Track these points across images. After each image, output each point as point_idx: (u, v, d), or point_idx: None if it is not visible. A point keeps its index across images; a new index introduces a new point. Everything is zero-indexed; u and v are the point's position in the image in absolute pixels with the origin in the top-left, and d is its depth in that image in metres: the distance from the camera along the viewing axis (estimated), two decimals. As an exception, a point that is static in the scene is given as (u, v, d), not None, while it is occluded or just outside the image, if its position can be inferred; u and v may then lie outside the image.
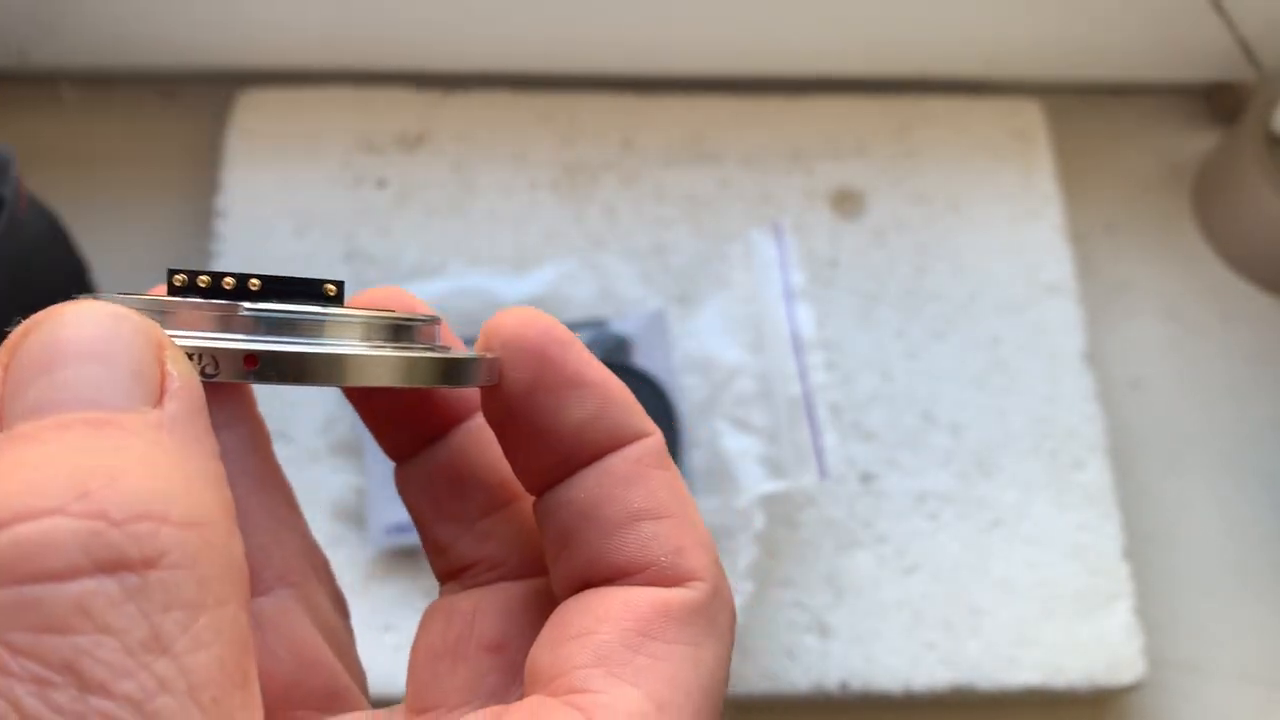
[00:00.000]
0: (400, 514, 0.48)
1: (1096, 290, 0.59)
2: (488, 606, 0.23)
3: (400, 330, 0.20)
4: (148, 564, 0.15)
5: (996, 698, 0.49)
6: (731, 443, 0.49)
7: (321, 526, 0.50)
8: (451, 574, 0.24)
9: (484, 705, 0.21)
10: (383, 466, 0.49)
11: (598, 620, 0.20)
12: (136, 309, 0.17)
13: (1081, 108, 0.64)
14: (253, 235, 0.55)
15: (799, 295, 0.50)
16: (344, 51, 0.59)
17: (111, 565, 0.15)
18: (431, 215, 0.56)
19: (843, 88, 0.61)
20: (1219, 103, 0.64)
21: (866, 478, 0.52)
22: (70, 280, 0.51)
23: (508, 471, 0.23)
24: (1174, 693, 0.52)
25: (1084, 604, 0.50)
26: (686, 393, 0.51)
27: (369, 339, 0.20)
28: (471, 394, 0.23)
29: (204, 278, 0.19)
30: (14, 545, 0.14)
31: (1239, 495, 0.55)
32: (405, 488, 0.24)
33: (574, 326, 0.51)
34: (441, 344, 0.22)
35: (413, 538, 0.48)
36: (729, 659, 0.21)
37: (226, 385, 0.23)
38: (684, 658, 0.20)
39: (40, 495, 0.15)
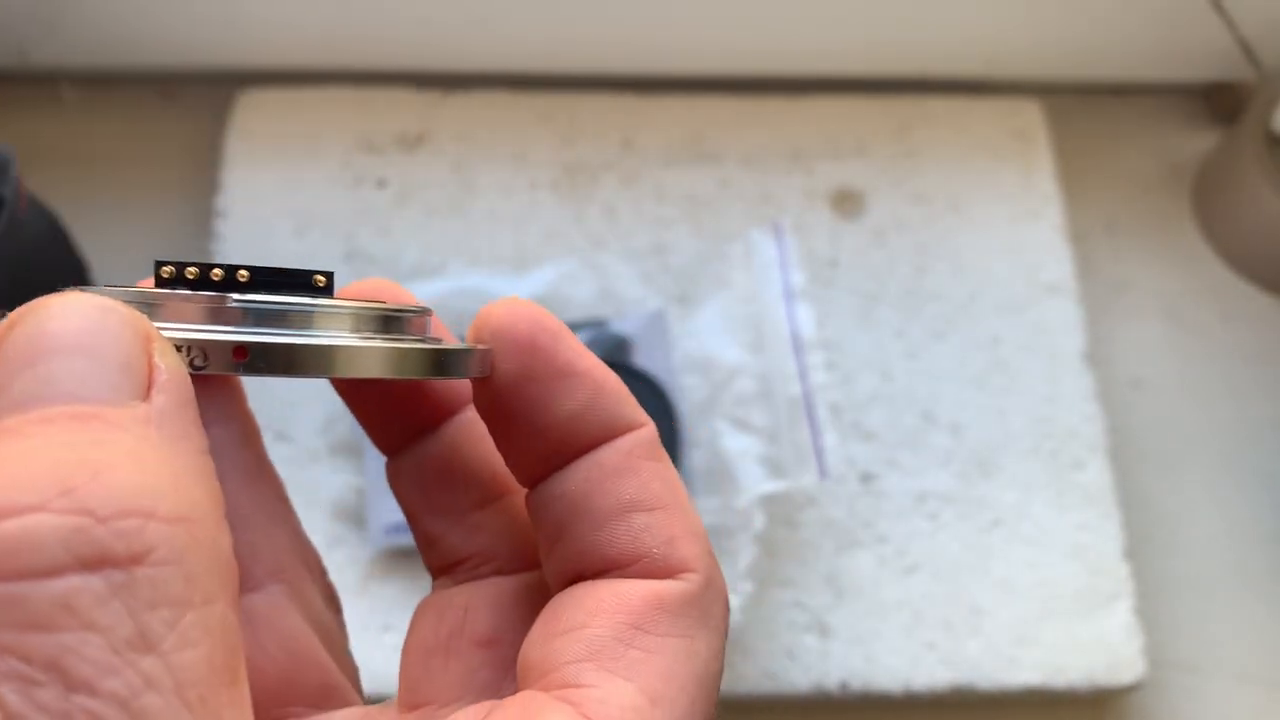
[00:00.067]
0: (400, 514, 0.48)
1: (1096, 290, 0.59)
2: (480, 601, 0.23)
3: (390, 321, 0.20)
4: (134, 560, 0.15)
5: (996, 698, 0.49)
6: (731, 443, 0.49)
7: (321, 526, 0.50)
8: (444, 568, 0.24)
9: (477, 700, 0.21)
10: (382, 466, 0.49)
11: (589, 614, 0.20)
12: (124, 301, 0.17)
13: (1081, 108, 0.64)
14: (253, 235, 0.55)
15: (799, 295, 0.50)
16: (344, 51, 0.59)
17: (96, 562, 0.14)
18: (431, 215, 0.56)
19: (843, 88, 0.61)
20: (1219, 103, 0.64)
21: (866, 478, 0.52)
22: (70, 280, 0.51)
23: (500, 464, 0.23)
24: (1174, 693, 0.52)
25: (1084, 604, 0.50)
26: (686, 393, 0.51)
27: (359, 330, 0.20)
28: (463, 386, 0.23)
29: (192, 269, 0.19)
30: None
31: (1239, 495, 0.55)
32: (397, 481, 0.24)
33: (574, 326, 0.51)
34: (432, 336, 0.22)
35: (412, 537, 0.48)
36: (723, 650, 0.21)
37: (216, 380, 0.23)
38: (677, 650, 0.20)
39: (23, 491, 0.14)
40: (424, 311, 0.21)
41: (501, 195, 0.57)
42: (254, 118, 0.58)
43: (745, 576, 0.47)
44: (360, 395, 0.24)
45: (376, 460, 0.50)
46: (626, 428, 0.21)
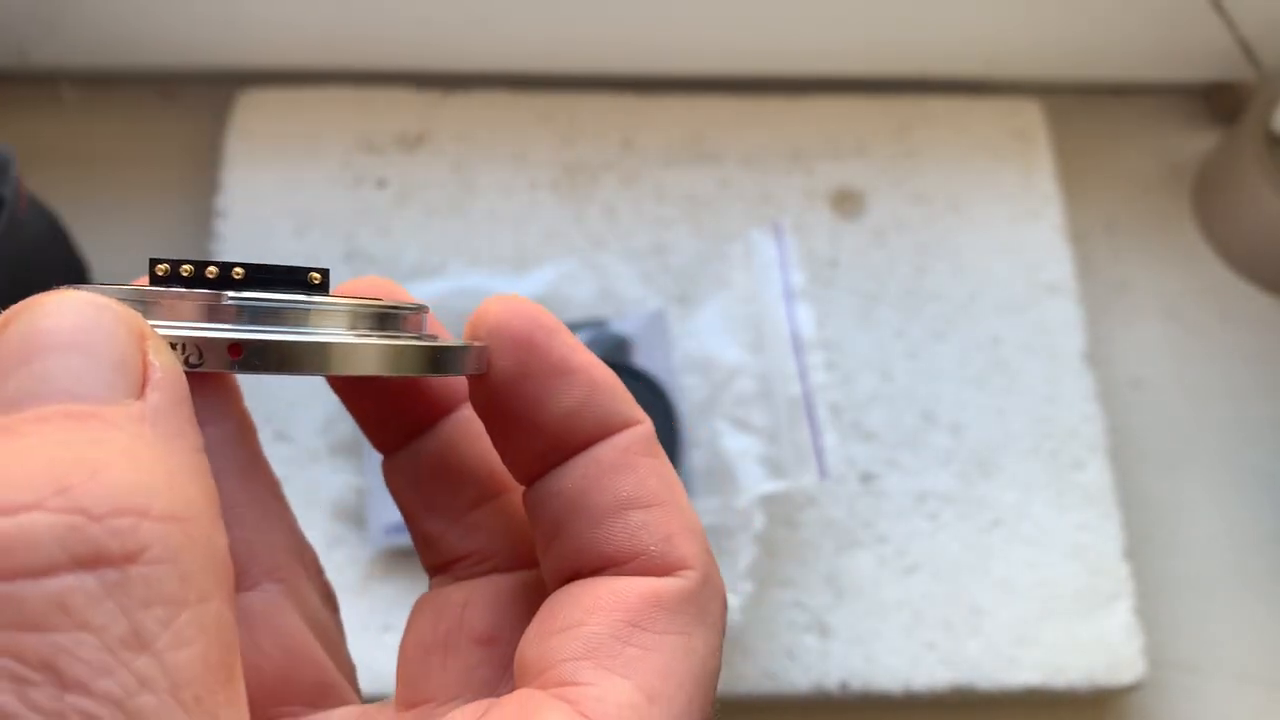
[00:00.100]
0: (400, 513, 0.48)
1: (1096, 290, 0.59)
2: (478, 599, 0.23)
3: (386, 318, 0.20)
4: (128, 559, 0.15)
5: (996, 698, 0.49)
6: (731, 443, 0.49)
7: (321, 526, 0.50)
8: (441, 567, 0.24)
9: (474, 698, 0.21)
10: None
11: (587, 611, 0.20)
12: (118, 299, 0.17)
13: (1081, 108, 0.64)
14: (253, 235, 0.55)
15: (799, 295, 0.50)
16: (344, 51, 0.59)
17: (90, 561, 0.14)
18: (431, 215, 0.56)
19: (843, 88, 0.61)
20: (1219, 103, 0.64)
21: (866, 478, 0.52)
22: (70, 280, 0.51)
23: (497, 462, 0.23)
24: (1174, 693, 0.52)
25: (1084, 604, 0.50)
26: (686, 393, 0.51)
27: (354, 327, 0.19)
28: (459, 384, 0.23)
29: (187, 267, 0.19)
30: None
31: (1239, 495, 0.55)
32: (393, 480, 0.24)
33: (574, 326, 0.51)
34: (428, 333, 0.21)
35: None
36: (721, 647, 0.21)
37: (212, 378, 0.23)
38: (675, 647, 0.20)
39: (18, 490, 0.14)
40: (420, 308, 0.21)
41: (501, 195, 0.57)
42: (254, 118, 0.58)
43: (745, 576, 0.47)
44: (356, 393, 0.24)
45: (376, 460, 0.50)
46: (623, 424, 0.21)
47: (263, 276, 0.19)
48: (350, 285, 0.23)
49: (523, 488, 0.22)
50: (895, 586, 0.50)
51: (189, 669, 0.15)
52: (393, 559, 0.49)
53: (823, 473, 0.47)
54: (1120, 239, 0.61)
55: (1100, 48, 0.62)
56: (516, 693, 0.20)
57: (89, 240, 0.53)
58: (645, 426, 0.21)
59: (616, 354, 0.52)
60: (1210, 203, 0.61)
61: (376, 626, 0.48)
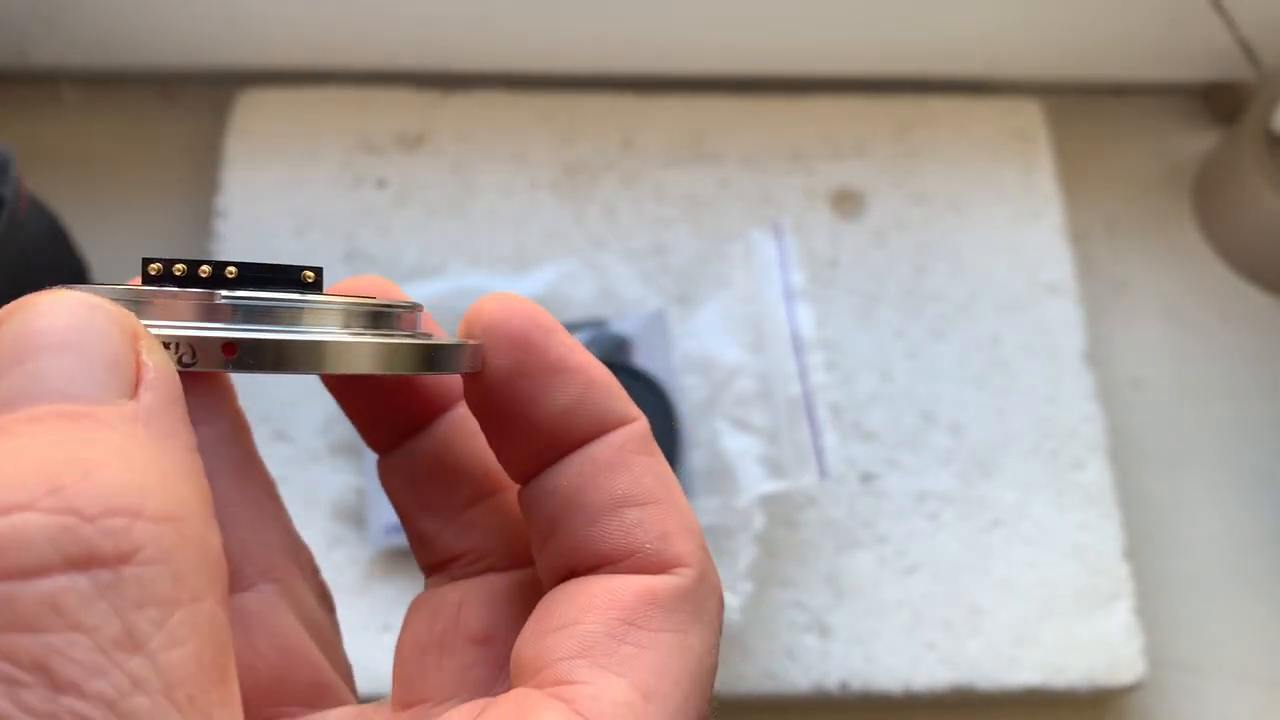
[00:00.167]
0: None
1: (1096, 290, 0.59)
2: (474, 598, 0.23)
3: (380, 317, 0.20)
4: (121, 559, 0.14)
5: (996, 698, 0.49)
6: (731, 443, 0.49)
7: (321, 526, 0.50)
8: (437, 566, 0.24)
9: (471, 698, 0.21)
10: (382, 466, 0.49)
11: (582, 610, 0.20)
12: (111, 298, 0.17)
13: (1081, 108, 0.64)
14: (253, 235, 0.55)
15: (799, 295, 0.50)
16: (344, 51, 0.59)
17: (83, 561, 0.14)
18: (431, 215, 0.56)
19: (843, 88, 0.61)
20: (1219, 103, 0.64)
21: (866, 478, 0.52)
22: (70, 280, 0.51)
23: (492, 461, 0.22)
24: (1174, 693, 0.52)
25: (1084, 604, 0.50)
26: (686, 393, 0.51)
27: (348, 326, 0.19)
28: (454, 383, 0.23)
29: (179, 266, 0.19)
30: None
31: (1239, 495, 0.55)
32: (388, 479, 0.24)
33: (574, 326, 0.51)
34: (423, 331, 0.21)
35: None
36: (717, 645, 0.21)
37: (206, 378, 0.23)
38: (671, 645, 0.19)
39: (10, 490, 0.14)
40: (414, 307, 0.21)
41: (501, 195, 0.57)
42: (254, 118, 0.58)
43: (745, 576, 0.47)
44: (351, 392, 0.24)
45: (376, 459, 0.50)
46: (619, 422, 0.21)
47: (256, 275, 0.19)
48: (345, 284, 0.23)
49: (518, 486, 0.22)
50: (895, 586, 0.50)
51: (182, 669, 0.15)
52: (392, 559, 0.49)
53: (823, 473, 0.47)
54: (1120, 239, 0.61)
55: (1100, 48, 0.62)
56: (512, 692, 0.19)
57: (89, 240, 0.53)
58: (641, 424, 0.21)
59: (616, 354, 0.52)
60: (1210, 203, 0.61)
61: (376, 626, 0.48)
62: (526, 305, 0.21)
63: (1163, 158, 0.63)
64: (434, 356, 0.20)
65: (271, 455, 0.25)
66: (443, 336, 0.21)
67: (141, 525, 0.15)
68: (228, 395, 0.24)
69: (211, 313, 0.18)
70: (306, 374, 0.19)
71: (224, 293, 0.18)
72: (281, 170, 0.57)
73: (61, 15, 0.56)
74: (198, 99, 0.61)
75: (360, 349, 0.19)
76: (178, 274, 0.19)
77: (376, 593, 0.49)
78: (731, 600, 0.46)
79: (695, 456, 0.50)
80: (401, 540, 0.49)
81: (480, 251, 0.56)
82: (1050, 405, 0.54)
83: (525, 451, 0.21)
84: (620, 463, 0.21)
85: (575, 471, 0.21)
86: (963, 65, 0.62)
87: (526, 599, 0.22)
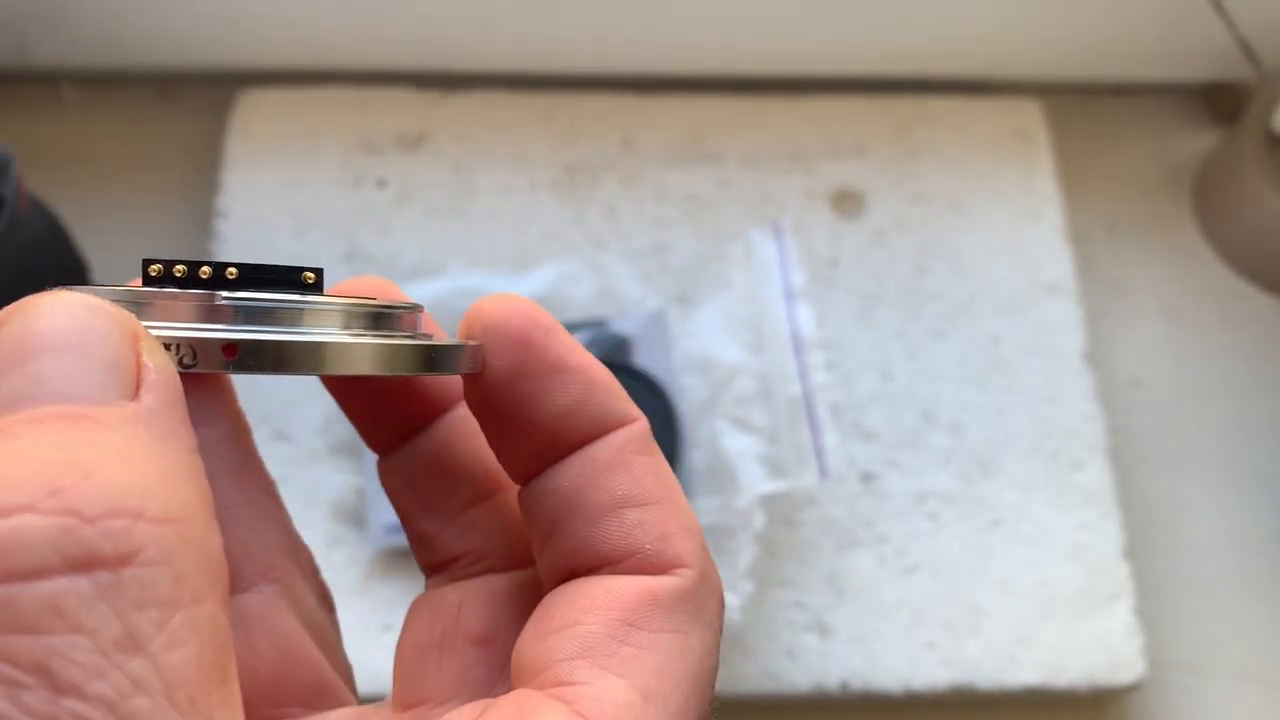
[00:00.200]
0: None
1: (1096, 290, 0.59)
2: (474, 599, 0.22)
3: (380, 318, 0.20)
4: (121, 561, 0.14)
5: (996, 698, 0.49)
6: (731, 443, 0.49)
7: (321, 526, 0.50)
8: (437, 566, 0.24)
9: (471, 699, 0.21)
10: (382, 466, 0.49)
11: (582, 611, 0.20)
12: (112, 300, 0.17)
13: (1081, 108, 0.64)
14: (253, 235, 0.55)
15: (799, 295, 0.50)
16: (344, 51, 0.59)
17: (84, 563, 0.14)
18: (431, 215, 0.56)
19: (843, 88, 0.61)
20: (1219, 103, 0.64)
21: (866, 478, 0.52)
22: (71, 280, 0.51)
23: (493, 462, 0.22)
24: (1174, 693, 0.52)
25: (1084, 604, 0.50)
26: (686, 393, 0.51)
27: (349, 327, 0.19)
28: (455, 383, 0.23)
29: (180, 267, 0.19)
30: None
31: (1239, 495, 0.55)
32: (389, 480, 0.24)
33: (574, 326, 0.51)
34: (423, 332, 0.21)
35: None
36: (718, 646, 0.21)
37: (206, 379, 0.23)
38: (671, 646, 0.19)
39: (11, 491, 0.14)
40: (414, 308, 0.21)
41: (501, 195, 0.57)
42: (254, 118, 0.58)
43: (745, 576, 0.47)
44: (351, 392, 0.24)
45: (376, 460, 0.50)
46: (619, 423, 0.21)
47: (257, 276, 0.19)
48: (345, 285, 0.23)
49: (518, 487, 0.22)
50: (895, 586, 0.50)
51: (183, 670, 0.15)
52: (393, 559, 0.49)
53: (823, 473, 0.47)
54: (1120, 239, 0.61)
55: (1100, 48, 0.62)
56: (513, 693, 0.19)
57: (89, 240, 0.53)
58: (641, 425, 0.21)
59: (616, 354, 0.52)
60: (1210, 203, 0.61)
61: (376, 626, 0.48)
62: (527, 305, 0.21)
63: (1163, 158, 0.63)
64: (434, 357, 0.20)
65: (271, 455, 0.25)
66: (443, 337, 0.21)
67: (142, 527, 0.15)
68: (228, 396, 0.24)
69: (212, 314, 0.18)
70: (307, 375, 0.19)
71: (224, 294, 0.18)
72: (281, 170, 0.57)
73: (61, 15, 0.56)
74: (198, 99, 0.61)
75: (361, 350, 0.19)
76: (178, 275, 0.19)
77: (376, 593, 0.49)
78: (731, 600, 0.46)
79: (695, 456, 0.50)
80: (401, 540, 0.49)
81: (480, 251, 0.56)
82: (1050, 405, 0.54)
83: (525, 452, 0.21)
84: (621, 463, 0.21)
85: (576, 472, 0.21)
86: (963, 65, 0.62)
87: (527, 600, 0.22)
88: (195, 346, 0.18)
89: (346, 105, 0.59)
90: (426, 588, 0.24)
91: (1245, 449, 0.56)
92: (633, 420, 0.21)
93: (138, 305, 0.18)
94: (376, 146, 0.58)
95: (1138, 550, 0.52)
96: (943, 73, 0.62)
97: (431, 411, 0.23)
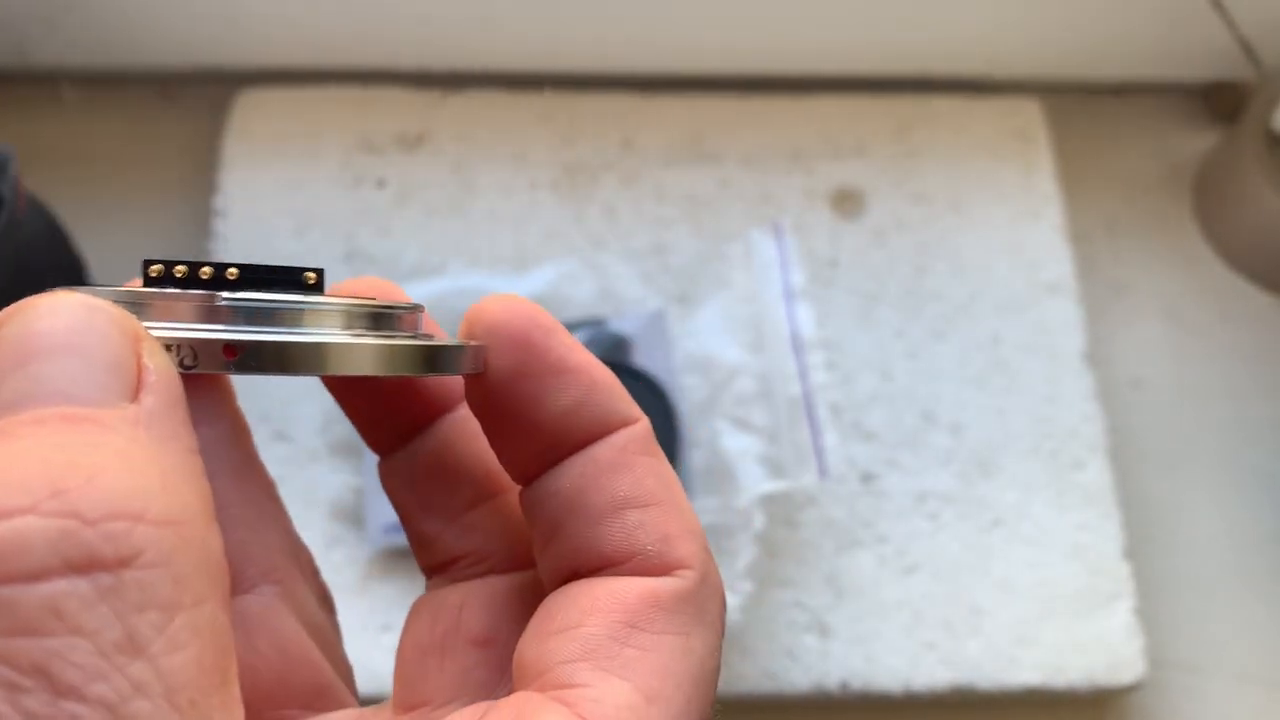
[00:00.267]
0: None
1: (1096, 290, 0.59)
2: (475, 600, 0.22)
3: (381, 318, 0.20)
4: (122, 563, 0.14)
5: (996, 698, 0.49)
6: (731, 443, 0.49)
7: (320, 526, 0.50)
8: (438, 568, 0.24)
9: (472, 700, 0.21)
10: (382, 466, 0.49)
11: (584, 612, 0.20)
12: (112, 300, 0.17)
13: (1081, 108, 0.64)
14: (252, 235, 0.55)
15: (799, 295, 0.50)
16: (344, 51, 0.59)
17: (84, 565, 0.14)
18: (431, 215, 0.56)
19: (843, 88, 0.61)
20: (1219, 103, 0.64)
21: (866, 478, 0.52)
22: (70, 280, 0.51)
23: (494, 463, 0.22)
24: (1174, 693, 0.52)
25: (1084, 604, 0.50)
26: (686, 393, 0.51)
27: (350, 327, 0.19)
28: (456, 384, 0.23)
29: (180, 268, 0.19)
30: None
31: (1239, 495, 0.55)
32: (389, 481, 0.24)
33: (574, 326, 0.51)
34: (424, 332, 0.21)
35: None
36: (720, 647, 0.21)
37: (205, 380, 0.23)
38: (673, 648, 0.19)
39: (12, 493, 0.14)
40: (415, 308, 0.21)
41: (501, 195, 0.57)
42: (254, 118, 0.58)
43: (745, 576, 0.47)
44: (351, 393, 0.24)
45: (375, 460, 0.50)
46: (621, 423, 0.21)
47: (257, 277, 0.19)
48: (345, 285, 0.23)
49: (520, 488, 0.22)
50: (895, 586, 0.50)
51: (183, 673, 0.15)
52: (392, 559, 0.49)
53: (823, 473, 0.47)
54: (1120, 239, 0.61)
55: (1100, 47, 0.62)
56: (514, 695, 0.19)
57: (89, 240, 0.53)
58: (643, 425, 0.21)
59: (616, 354, 0.52)
60: (1210, 203, 0.61)
61: (375, 627, 0.48)
62: (527, 306, 0.21)
63: (1163, 158, 0.63)
64: (435, 358, 0.20)
65: (270, 455, 0.25)
66: (444, 338, 0.21)
67: (143, 529, 0.15)
68: (227, 396, 0.23)
69: (212, 314, 0.18)
70: (307, 376, 0.19)
71: (225, 294, 0.18)
72: (281, 170, 0.57)
73: (61, 15, 0.56)
74: (197, 99, 0.61)
75: (362, 350, 0.19)
76: (178, 276, 0.19)
77: (376, 593, 0.49)
78: (731, 600, 0.46)
79: (695, 456, 0.50)
80: (401, 540, 0.49)
81: (480, 251, 0.56)
82: (1050, 405, 0.54)
83: (527, 453, 0.21)
84: (622, 464, 0.21)
85: (577, 473, 0.21)
86: (963, 65, 0.62)
87: (528, 601, 0.22)
88: (196, 347, 0.17)
89: (346, 105, 0.59)
90: (427, 589, 0.24)
91: (1245, 449, 0.56)
92: (634, 421, 0.21)
93: (138, 306, 0.18)
94: (376, 146, 0.58)
95: (1138, 550, 0.52)
96: (943, 72, 0.62)
97: (432, 412, 0.23)
